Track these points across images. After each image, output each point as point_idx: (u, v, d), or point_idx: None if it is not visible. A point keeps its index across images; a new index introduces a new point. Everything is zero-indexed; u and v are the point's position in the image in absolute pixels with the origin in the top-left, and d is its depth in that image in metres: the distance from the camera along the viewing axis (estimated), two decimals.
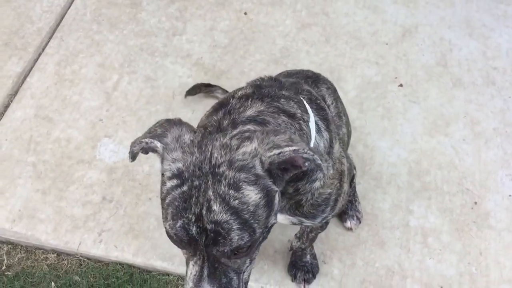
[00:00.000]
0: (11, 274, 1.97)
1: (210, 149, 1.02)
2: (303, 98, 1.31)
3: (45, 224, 2.04)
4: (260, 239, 1.09)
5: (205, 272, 1.07)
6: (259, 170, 1.02)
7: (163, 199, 1.08)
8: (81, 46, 2.59)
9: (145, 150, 1.14)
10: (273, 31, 2.68)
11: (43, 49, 2.57)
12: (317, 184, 1.29)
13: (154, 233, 2.01)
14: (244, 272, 1.15)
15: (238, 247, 1.03)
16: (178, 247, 1.10)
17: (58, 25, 2.67)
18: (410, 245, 2.00)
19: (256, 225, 1.03)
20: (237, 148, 1.02)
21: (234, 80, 2.48)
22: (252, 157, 1.01)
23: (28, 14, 2.70)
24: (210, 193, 0.99)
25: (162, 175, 1.09)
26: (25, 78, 2.46)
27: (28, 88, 2.42)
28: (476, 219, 2.07)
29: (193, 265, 1.08)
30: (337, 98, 1.67)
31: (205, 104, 2.37)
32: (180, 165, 1.03)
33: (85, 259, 1.99)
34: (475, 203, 2.12)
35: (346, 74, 2.51)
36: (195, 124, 2.17)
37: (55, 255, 2.01)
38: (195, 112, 2.35)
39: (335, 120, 1.52)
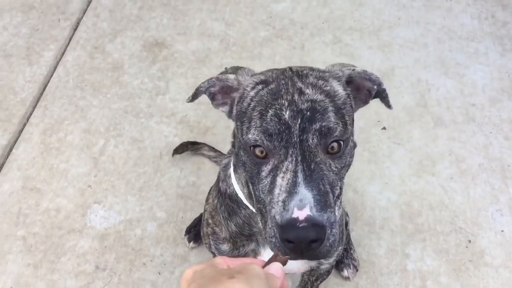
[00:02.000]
0: None
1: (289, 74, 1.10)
2: None
3: None
4: (348, 147, 1.09)
5: (300, 176, 0.98)
6: (340, 73, 1.14)
7: (245, 110, 1.08)
8: (66, 113, 2.60)
9: (212, 95, 1.21)
10: None
11: (27, 119, 2.58)
12: (338, 212, 1.30)
13: None
14: (337, 198, 1.07)
15: (334, 131, 1.01)
16: (267, 147, 1.01)
17: (41, 94, 2.69)
18: None
19: (347, 118, 1.07)
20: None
21: (220, 135, 2.51)
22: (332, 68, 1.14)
23: (11, 86, 2.72)
24: (300, 84, 1.04)
25: (241, 100, 1.12)
26: (10, 150, 2.46)
27: (14, 160, 2.41)
28: (472, 257, 2.08)
29: (284, 174, 0.99)
30: None
31: (192, 162, 2.38)
32: (262, 77, 1.11)
33: None
34: (469, 241, 2.13)
35: None
36: (183, 183, 2.17)
37: None
38: (183, 171, 2.35)
39: None
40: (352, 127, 1.14)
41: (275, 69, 1.17)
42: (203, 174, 2.35)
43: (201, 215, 2.14)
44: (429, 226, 2.17)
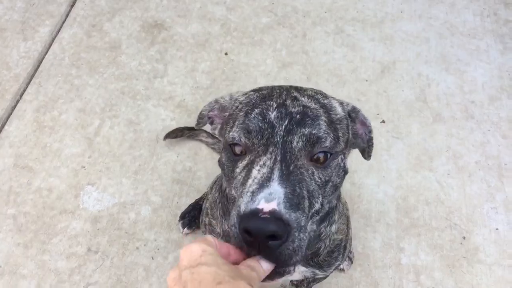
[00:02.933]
0: None
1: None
2: None
3: (28, 280, 1.95)
4: (335, 164, 1.01)
5: (276, 173, 0.91)
6: (345, 103, 1.13)
7: (233, 113, 1.04)
8: (60, 91, 2.54)
9: (211, 119, 1.19)
10: (255, 70, 2.69)
11: (21, 96, 2.52)
12: (333, 227, 1.29)
13: (143, 284, 1.95)
14: (315, 213, 0.99)
15: (324, 141, 0.95)
16: (244, 144, 0.95)
17: (36, 70, 2.62)
18: (403, 284, 1.99)
19: (340, 133, 1.02)
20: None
21: None
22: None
23: (5, 61, 2.65)
24: (295, 93, 1.01)
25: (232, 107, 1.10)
26: (2, 126, 2.40)
27: (6, 137, 2.36)
28: (466, 254, 2.08)
29: (260, 168, 0.92)
30: None
31: (189, 147, 2.35)
32: (257, 88, 1.09)
33: None
34: (464, 238, 2.13)
35: None
36: (179, 168, 2.14)
37: None
38: (179, 156, 2.32)
39: None
40: (346, 147, 1.08)
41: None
42: (199, 160, 2.32)
43: (196, 202, 2.11)
44: (425, 221, 2.17)
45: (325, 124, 0.97)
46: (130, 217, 2.13)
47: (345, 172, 1.09)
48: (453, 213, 2.20)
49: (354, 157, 2.35)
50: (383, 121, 2.51)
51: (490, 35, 2.93)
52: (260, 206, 0.87)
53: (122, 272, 1.98)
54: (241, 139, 0.96)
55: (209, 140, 2.31)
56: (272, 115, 0.94)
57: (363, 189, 2.26)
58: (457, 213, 2.20)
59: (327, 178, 1.00)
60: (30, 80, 2.58)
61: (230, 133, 0.98)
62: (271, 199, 0.87)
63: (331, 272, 1.43)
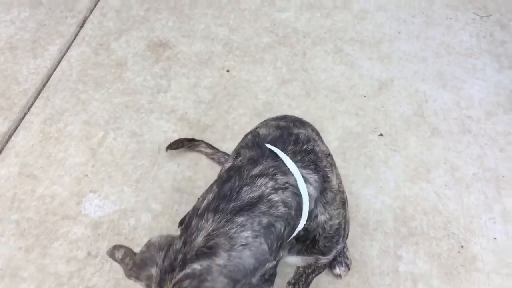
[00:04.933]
0: None
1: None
2: (288, 155, 1.29)
3: (27, 282, 1.97)
4: None
5: None
6: None
7: None
8: (67, 105, 2.62)
9: None
10: (255, 86, 2.77)
11: (28, 109, 2.60)
12: (322, 218, 1.31)
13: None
14: None
15: None
16: None
17: (44, 85, 2.72)
18: None
19: None
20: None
21: (219, 134, 2.53)
22: None
23: (15, 76, 2.75)
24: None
25: None
26: (9, 137, 2.47)
27: (12, 147, 2.43)
28: (464, 262, 2.08)
29: None
30: (321, 139, 1.70)
31: (190, 158, 2.40)
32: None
33: None
34: (462, 246, 2.13)
35: (328, 125, 2.58)
36: (180, 177, 2.18)
37: None
38: (180, 166, 2.37)
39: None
40: None
41: None
42: (200, 169, 2.36)
43: None
44: (423, 230, 2.18)
45: None
46: (130, 223, 2.16)
47: None
48: (451, 222, 2.21)
49: (352, 169, 2.40)
50: (381, 135, 2.55)
51: (486, 54, 3.00)
52: None
53: (121, 276, 1.99)
54: None
55: (209, 150, 2.36)
56: None
57: (361, 199, 2.28)
58: (455, 223, 2.21)
59: None
60: (38, 95, 2.67)
61: None
62: None
63: (334, 255, 1.48)
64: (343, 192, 1.48)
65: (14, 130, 2.50)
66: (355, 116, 2.64)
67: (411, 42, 3.06)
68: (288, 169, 1.23)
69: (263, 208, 1.10)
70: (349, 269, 2.02)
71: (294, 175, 1.22)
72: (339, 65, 2.92)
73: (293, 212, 1.17)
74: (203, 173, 2.35)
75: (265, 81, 2.81)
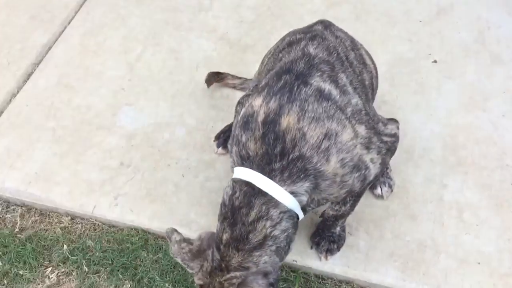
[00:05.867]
0: (24, 236, 1.91)
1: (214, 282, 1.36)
2: (275, 176, 1.34)
3: (61, 186, 1.98)
4: None
5: None
6: None
7: None
8: (107, 19, 2.57)
9: None
10: (301, 8, 2.60)
11: (69, 22, 2.56)
12: (318, 197, 1.39)
13: (172, 198, 1.93)
14: None
15: None
16: None
17: (85, 0, 2.66)
18: (444, 219, 1.86)
19: None
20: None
21: (259, 54, 2.38)
22: None
23: None
24: None
25: None
26: (49, 48, 2.45)
27: (52, 58, 2.41)
28: None
29: None
30: (336, 75, 1.44)
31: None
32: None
33: (100, 223, 1.92)
34: None
35: (376, 49, 2.39)
36: (218, 95, 2.07)
37: (69, 218, 1.94)
38: (218, 84, 2.28)
39: (339, 103, 1.38)
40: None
41: None
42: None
43: (231, 124, 2.06)
44: (473, 160, 2.01)
45: None
46: (164, 137, 2.11)
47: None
48: (505, 154, 2.03)
49: (400, 94, 2.23)
50: (435, 61, 2.35)
51: None
52: None
53: (152, 186, 1.96)
54: None
55: (236, 81, 2.24)
56: None
57: (407, 125, 2.12)
58: (510, 154, 2.02)
59: None
60: (79, 9, 2.63)
61: None
62: None
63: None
64: (352, 159, 1.35)
65: (54, 42, 2.47)
66: (407, 42, 2.44)
67: None
68: (277, 200, 1.33)
69: (270, 243, 1.33)
70: (392, 191, 1.89)
71: (284, 203, 1.33)
72: None
73: (291, 228, 1.38)
74: (240, 92, 2.25)
75: (312, 3, 2.64)
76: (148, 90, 2.27)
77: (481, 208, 1.88)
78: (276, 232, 1.34)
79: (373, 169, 1.43)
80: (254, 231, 1.32)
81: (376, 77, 1.74)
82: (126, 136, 2.12)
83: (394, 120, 1.68)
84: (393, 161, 2.00)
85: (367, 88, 1.61)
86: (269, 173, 1.32)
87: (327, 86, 1.37)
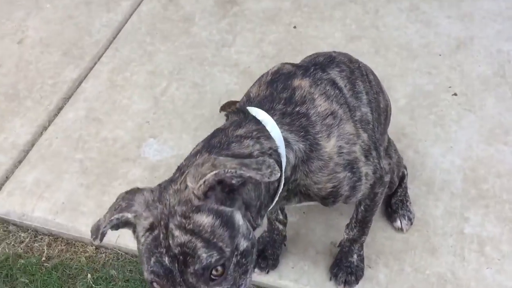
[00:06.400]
0: (50, 265, 1.97)
1: (167, 197, 1.10)
2: (274, 115, 1.27)
3: (86, 216, 2.04)
4: (235, 260, 1.08)
5: None
6: (195, 202, 1.07)
7: (140, 252, 1.12)
8: (134, 56, 2.68)
9: (116, 226, 1.18)
10: (322, 43, 2.67)
11: (98, 59, 2.69)
12: (304, 182, 1.31)
13: None
14: None
15: (210, 266, 1.04)
16: (160, 284, 1.07)
17: (114, 37, 2.79)
18: (465, 253, 1.84)
19: (221, 244, 1.06)
20: (185, 189, 1.09)
21: None
22: (189, 193, 1.08)
23: (88, 28, 2.84)
24: (171, 225, 1.06)
25: (138, 240, 1.14)
26: (80, 83, 2.57)
27: (82, 93, 2.52)
28: None
29: None
30: (354, 79, 1.49)
31: None
32: (150, 219, 1.09)
33: (123, 253, 1.97)
34: None
35: (396, 83, 2.43)
36: None
37: (93, 247, 2.00)
38: None
39: (349, 103, 1.39)
40: (233, 244, 1.09)
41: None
42: None
43: None
44: (495, 193, 2.00)
45: (204, 249, 1.03)
46: None
47: (252, 243, 1.13)
48: None
49: (419, 127, 2.25)
50: (455, 94, 2.37)
51: None
52: None
53: None
54: (156, 281, 1.07)
55: None
56: (166, 260, 1.05)
57: (427, 158, 2.13)
58: None
59: (231, 283, 1.08)
60: (109, 46, 2.75)
61: (146, 275, 1.09)
62: None
63: (346, 202, 1.43)
64: (350, 152, 1.33)
65: (84, 77, 2.59)
66: (427, 75, 2.47)
67: (496, 0, 2.81)
68: (269, 133, 1.22)
69: None
70: (411, 224, 1.89)
71: (276, 141, 1.22)
72: (414, 23, 2.74)
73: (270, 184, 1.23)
74: None
75: (333, 37, 2.70)
76: (171, 123, 2.35)
77: (503, 242, 1.86)
78: None
79: (363, 185, 1.40)
80: (239, 142, 1.19)
81: (391, 109, 1.77)
82: (150, 167, 2.19)
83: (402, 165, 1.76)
84: (413, 194, 2.02)
85: (381, 110, 1.62)
86: (268, 110, 1.26)
87: (342, 82, 1.40)
